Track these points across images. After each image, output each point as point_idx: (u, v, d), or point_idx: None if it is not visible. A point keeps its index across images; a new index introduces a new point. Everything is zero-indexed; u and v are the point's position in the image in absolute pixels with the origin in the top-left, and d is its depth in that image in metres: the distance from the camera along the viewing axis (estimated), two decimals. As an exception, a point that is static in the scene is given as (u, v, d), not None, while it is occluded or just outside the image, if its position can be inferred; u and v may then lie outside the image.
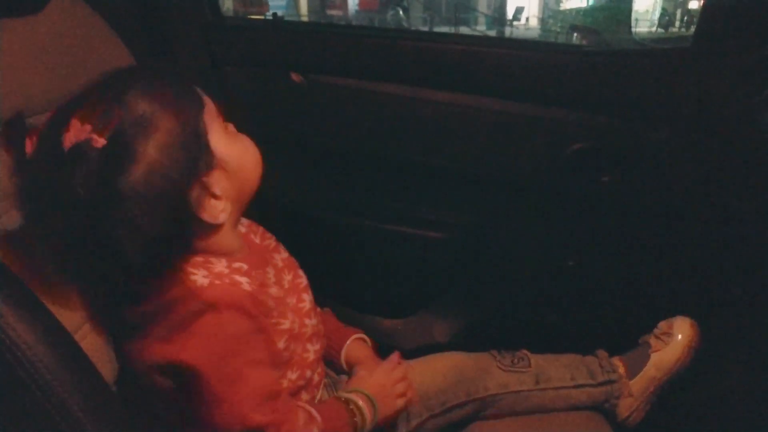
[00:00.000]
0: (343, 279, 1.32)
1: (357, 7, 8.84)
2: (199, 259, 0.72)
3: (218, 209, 0.70)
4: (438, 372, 0.98)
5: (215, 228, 0.73)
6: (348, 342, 0.99)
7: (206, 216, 0.70)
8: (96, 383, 0.65)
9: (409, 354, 1.01)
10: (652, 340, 1.04)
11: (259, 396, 0.69)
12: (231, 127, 0.76)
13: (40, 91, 0.79)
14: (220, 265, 0.73)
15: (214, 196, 0.70)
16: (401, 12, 8.06)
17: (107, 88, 0.66)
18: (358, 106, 1.26)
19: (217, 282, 0.70)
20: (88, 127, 0.61)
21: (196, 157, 0.68)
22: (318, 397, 0.89)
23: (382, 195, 1.33)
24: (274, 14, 1.35)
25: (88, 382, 0.63)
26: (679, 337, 1.02)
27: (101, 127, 0.61)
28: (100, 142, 0.60)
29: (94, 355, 0.72)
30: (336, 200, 1.34)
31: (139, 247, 0.63)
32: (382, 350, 1.01)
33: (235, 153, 0.73)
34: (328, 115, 1.28)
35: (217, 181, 0.70)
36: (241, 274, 0.74)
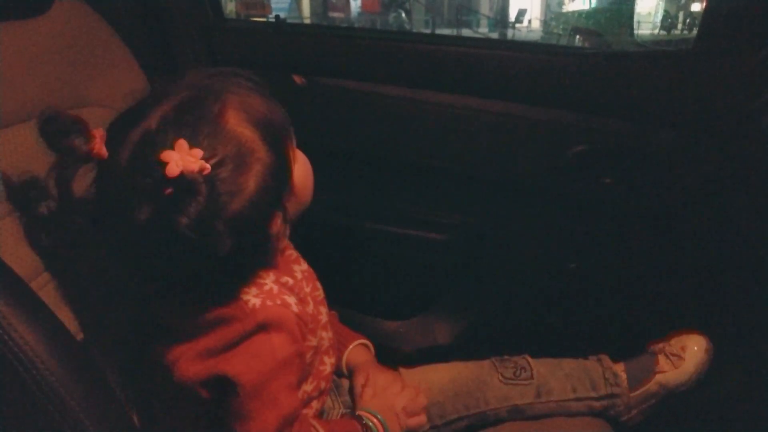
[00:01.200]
0: (344, 280, 1.32)
1: (359, 10, 8.85)
2: (250, 273, 0.71)
3: (287, 233, 0.70)
4: (437, 384, 0.97)
5: (271, 250, 0.73)
6: (351, 347, 0.98)
7: (281, 242, 0.70)
8: (98, 384, 0.65)
9: (410, 356, 1.01)
10: (662, 358, 1.00)
11: (286, 418, 0.69)
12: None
13: (43, 93, 0.80)
14: (269, 281, 0.71)
15: (285, 223, 0.69)
16: (403, 14, 8.08)
17: (207, 100, 0.63)
18: (360, 108, 1.26)
19: (269, 303, 0.69)
20: (198, 153, 0.57)
21: (283, 187, 0.68)
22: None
23: (383, 196, 1.33)
24: (277, 16, 1.35)
25: (89, 383, 0.63)
26: (690, 362, 0.99)
27: (209, 155, 0.58)
28: (207, 170, 0.57)
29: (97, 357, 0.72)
30: (337, 202, 1.34)
31: (213, 273, 0.64)
32: (383, 352, 1.01)
33: (301, 176, 0.73)
34: (330, 117, 1.28)
35: (290, 206, 0.70)
36: (289, 291, 0.73)
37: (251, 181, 0.61)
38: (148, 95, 0.65)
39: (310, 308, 0.79)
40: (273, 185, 0.64)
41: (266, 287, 0.70)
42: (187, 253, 0.60)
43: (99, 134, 0.63)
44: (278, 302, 0.70)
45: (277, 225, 0.68)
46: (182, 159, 0.56)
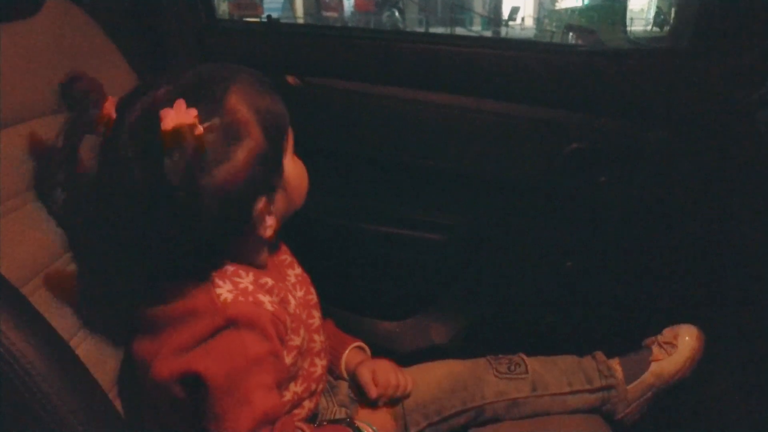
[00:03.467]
0: (340, 281, 1.32)
1: (353, 9, 8.84)
2: (229, 268, 0.73)
3: (268, 224, 0.73)
4: (433, 381, 0.98)
5: (255, 241, 0.74)
6: (347, 350, 0.99)
7: (260, 229, 0.72)
8: (91, 390, 0.65)
9: (407, 357, 1.00)
10: (655, 348, 1.02)
11: (261, 419, 0.68)
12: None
13: (35, 96, 0.79)
14: (246, 280, 0.73)
15: (269, 213, 0.73)
16: (397, 13, 8.08)
17: (214, 81, 0.68)
18: (354, 108, 1.25)
19: (240, 299, 0.70)
20: (193, 112, 0.62)
21: (271, 173, 0.72)
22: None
23: (379, 197, 1.33)
24: (269, 17, 1.35)
25: (82, 389, 0.63)
26: (683, 348, 1.00)
27: (203, 118, 0.63)
28: (199, 130, 0.61)
29: (91, 360, 0.72)
30: (333, 203, 1.34)
31: (190, 242, 0.66)
32: (379, 353, 1.01)
33: (295, 176, 0.77)
34: (324, 117, 1.27)
35: (277, 200, 0.74)
36: (265, 292, 0.74)
37: (240, 154, 0.66)
38: (159, 76, 0.69)
39: (292, 308, 0.79)
40: (262, 167, 0.68)
41: (241, 285, 0.72)
42: (173, 213, 0.63)
43: (111, 100, 0.68)
44: (250, 299, 0.71)
45: (260, 210, 0.70)
46: (178, 116, 0.61)
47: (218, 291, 0.69)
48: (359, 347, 1.01)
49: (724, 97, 1.01)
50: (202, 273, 0.70)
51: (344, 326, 1.03)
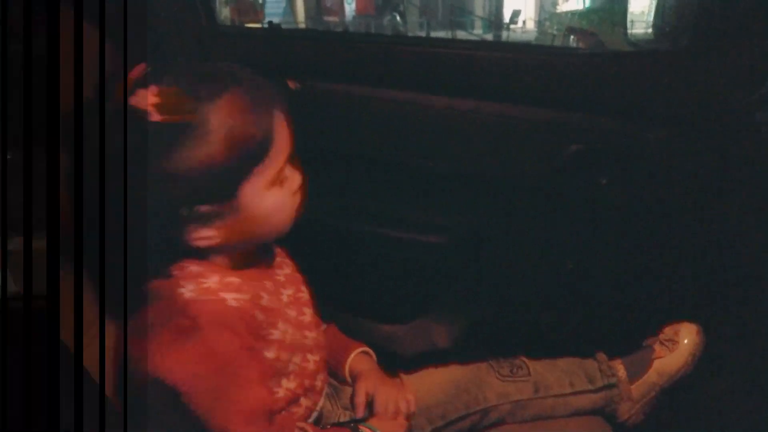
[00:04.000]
0: (341, 284, 1.32)
1: (354, 13, 8.86)
2: (194, 269, 0.73)
3: (197, 234, 0.71)
4: (436, 385, 0.98)
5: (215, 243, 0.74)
6: (353, 355, 0.98)
7: (185, 234, 0.71)
8: (91, 391, 0.65)
9: (409, 359, 1.00)
10: (657, 346, 1.03)
11: (249, 414, 0.69)
12: (289, 171, 0.76)
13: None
14: (211, 281, 0.73)
15: (201, 224, 0.71)
16: (398, 17, 8.09)
17: (212, 81, 0.69)
18: (355, 112, 1.25)
19: (202, 298, 0.71)
20: (157, 99, 0.64)
21: (215, 188, 0.70)
22: (320, 404, 0.90)
23: (380, 199, 1.33)
24: (270, 22, 1.35)
25: (82, 390, 0.62)
26: (684, 344, 1.01)
27: (177, 109, 0.65)
28: (156, 117, 0.64)
29: (92, 362, 0.72)
30: (334, 205, 1.34)
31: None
32: (381, 356, 1.01)
33: (258, 207, 0.73)
34: (325, 121, 1.27)
35: (224, 219, 0.71)
36: (230, 290, 0.74)
37: (190, 155, 0.65)
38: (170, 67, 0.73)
39: (265, 302, 0.79)
40: (205, 178, 0.67)
41: (204, 285, 0.72)
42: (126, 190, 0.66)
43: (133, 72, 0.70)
44: (212, 297, 0.71)
45: (184, 216, 0.69)
46: (144, 96, 0.64)
47: (180, 290, 0.70)
48: (364, 352, 1.00)
49: (724, 97, 1.01)
50: (167, 273, 0.71)
51: (345, 328, 1.03)
